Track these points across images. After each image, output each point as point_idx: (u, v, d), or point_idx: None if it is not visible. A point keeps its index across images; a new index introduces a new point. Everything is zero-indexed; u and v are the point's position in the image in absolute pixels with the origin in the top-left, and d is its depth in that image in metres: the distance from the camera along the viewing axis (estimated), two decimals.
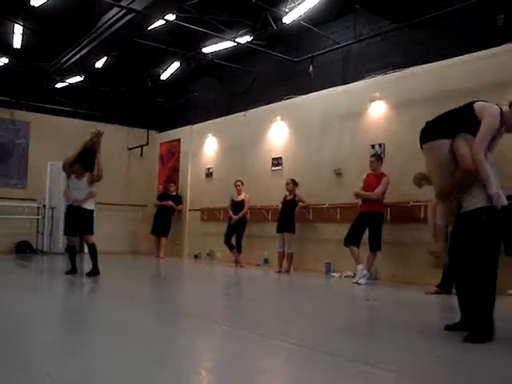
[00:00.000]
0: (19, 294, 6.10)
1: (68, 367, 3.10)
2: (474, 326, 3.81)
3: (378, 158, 8.09)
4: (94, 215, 8.00)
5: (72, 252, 8.01)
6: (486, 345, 3.72)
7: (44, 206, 12.76)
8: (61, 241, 12.79)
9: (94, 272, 7.72)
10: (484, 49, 7.23)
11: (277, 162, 10.57)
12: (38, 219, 12.70)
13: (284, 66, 10.79)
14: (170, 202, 12.60)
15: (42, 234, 12.75)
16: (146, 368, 3.06)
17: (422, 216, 7.64)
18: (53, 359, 3.31)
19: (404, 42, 8.78)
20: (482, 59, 7.26)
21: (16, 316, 4.69)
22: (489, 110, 3.93)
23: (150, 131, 14.51)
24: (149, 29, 9.09)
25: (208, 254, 12.11)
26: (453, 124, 4.06)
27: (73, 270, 7.91)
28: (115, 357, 3.35)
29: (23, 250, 12.36)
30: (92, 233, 7.86)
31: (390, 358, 3.45)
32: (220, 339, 4.11)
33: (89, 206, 7.92)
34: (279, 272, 9.18)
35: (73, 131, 13.32)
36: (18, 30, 10.39)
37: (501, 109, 3.97)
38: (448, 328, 4.13)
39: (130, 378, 2.87)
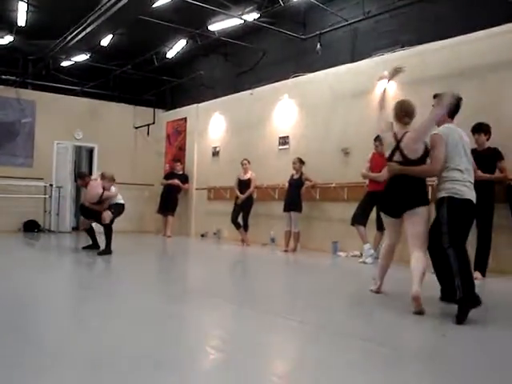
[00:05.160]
0: (29, 271, 6.16)
1: (78, 344, 3.12)
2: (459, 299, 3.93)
3: (381, 141, 8.00)
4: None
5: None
6: (488, 324, 3.72)
7: (51, 185, 12.81)
8: (68, 220, 12.89)
9: (106, 251, 7.95)
10: (495, 26, 7.08)
11: (284, 140, 10.51)
12: (45, 198, 12.75)
13: (291, 44, 10.67)
14: (176, 181, 12.58)
15: (50, 213, 12.82)
16: (155, 345, 3.08)
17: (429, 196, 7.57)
18: (64, 337, 3.33)
19: (413, 19, 8.63)
20: (494, 36, 7.12)
21: (25, 293, 4.72)
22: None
23: (156, 110, 14.43)
24: (154, 6, 8.97)
25: (215, 233, 12.13)
26: None
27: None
28: (125, 334, 3.37)
29: (31, 228, 12.44)
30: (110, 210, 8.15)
31: (394, 337, 3.47)
32: (227, 317, 4.14)
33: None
34: (286, 251, 9.19)
35: (79, 110, 13.35)
36: (23, 7, 10.28)
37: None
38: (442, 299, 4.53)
39: (140, 355, 2.88)
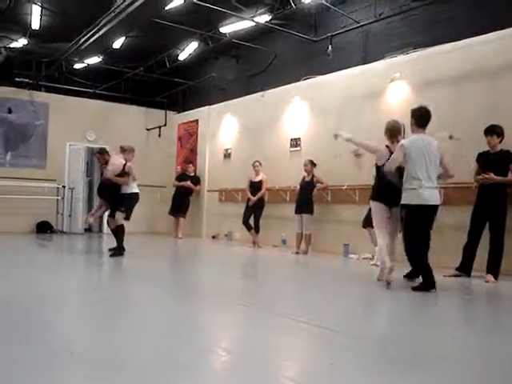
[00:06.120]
0: (41, 272, 6.20)
1: (91, 345, 3.14)
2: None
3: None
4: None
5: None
6: (500, 327, 3.70)
7: (63, 187, 12.91)
8: (80, 221, 12.96)
9: (117, 253, 7.87)
10: (507, 27, 7.03)
11: (295, 142, 10.51)
12: (57, 200, 12.85)
13: (303, 46, 10.67)
14: (188, 183, 12.62)
15: (62, 214, 12.92)
16: (166, 347, 3.10)
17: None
18: (75, 337, 3.35)
19: (426, 20, 8.61)
20: (506, 38, 7.08)
21: (38, 294, 4.76)
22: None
23: (167, 112, 14.51)
24: (167, 8, 9.02)
25: (226, 235, 12.15)
26: None
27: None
28: (137, 335, 3.39)
29: (43, 230, 12.54)
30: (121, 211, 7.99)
31: (406, 339, 3.46)
32: (238, 318, 4.14)
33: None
34: (297, 253, 9.19)
35: (91, 112, 13.43)
36: (36, 10, 10.38)
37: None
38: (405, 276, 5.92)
39: (151, 356, 2.89)
